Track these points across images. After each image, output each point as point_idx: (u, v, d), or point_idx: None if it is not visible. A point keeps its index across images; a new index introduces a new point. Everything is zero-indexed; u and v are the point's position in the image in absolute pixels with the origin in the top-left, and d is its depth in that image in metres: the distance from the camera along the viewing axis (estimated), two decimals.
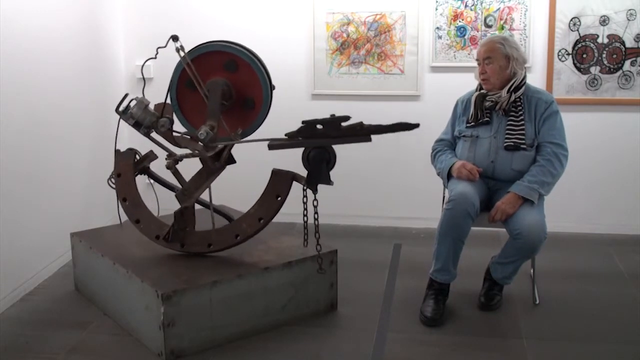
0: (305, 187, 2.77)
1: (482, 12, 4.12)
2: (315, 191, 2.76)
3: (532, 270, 3.28)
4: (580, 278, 3.52)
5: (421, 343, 2.80)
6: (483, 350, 2.74)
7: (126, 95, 2.97)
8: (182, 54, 2.82)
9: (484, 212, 3.02)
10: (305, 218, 2.82)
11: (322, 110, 4.33)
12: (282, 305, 2.93)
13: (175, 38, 2.79)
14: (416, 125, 2.70)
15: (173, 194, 3.01)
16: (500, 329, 2.92)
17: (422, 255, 3.56)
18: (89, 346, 2.79)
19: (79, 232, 3.35)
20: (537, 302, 3.17)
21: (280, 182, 2.86)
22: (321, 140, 2.71)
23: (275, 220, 3.42)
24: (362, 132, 2.68)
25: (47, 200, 3.53)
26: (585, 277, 3.54)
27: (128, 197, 3.06)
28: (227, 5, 4.35)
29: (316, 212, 2.78)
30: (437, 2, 4.14)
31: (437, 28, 4.17)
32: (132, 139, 3.36)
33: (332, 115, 2.69)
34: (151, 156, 3.11)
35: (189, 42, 3.11)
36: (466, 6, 4.12)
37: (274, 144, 2.73)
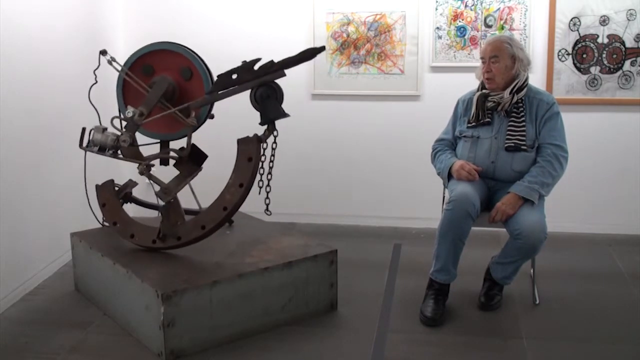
0: (267, 135, 2.90)
1: (482, 12, 4.12)
2: (274, 129, 2.90)
3: (532, 270, 3.28)
4: (580, 278, 3.52)
5: (421, 343, 2.80)
6: (483, 350, 2.74)
7: (84, 129, 3.05)
8: (116, 65, 2.97)
9: (484, 213, 3.02)
10: (262, 170, 2.93)
11: (322, 110, 4.40)
12: (282, 305, 2.93)
13: (103, 52, 2.97)
14: (322, 49, 2.91)
15: None
16: (500, 329, 2.92)
17: (422, 255, 3.56)
18: (89, 346, 2.79)
19: (79, 232, 3.35)
20: (537, 302, 3.17)
21: (247, 145, 2.91)
22: (240, 86, 2.86)
23: (275, 220, 3.44)
24: (274, 69, 2.84)
25: (47, 200, 3.53)
26: (585, 277, 3.54)
27: (118, 220, 3.11)
28: (227, 6, 4.35)
29: (273, 155, 2.94)
30: (437, 2, 4.14)
31: (437, 28, 4.17)
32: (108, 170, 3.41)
33: (244, 62, 2.84)
34: (131, 183, 3.22)
35: (189, 43, 3.13)
36: (466, 6, 4.12)
37: (195, 103, 2.92)
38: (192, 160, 3.06)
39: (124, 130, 2.96)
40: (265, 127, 2.93)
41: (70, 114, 3.72)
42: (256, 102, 2.91)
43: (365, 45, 4.26)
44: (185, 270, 2.83)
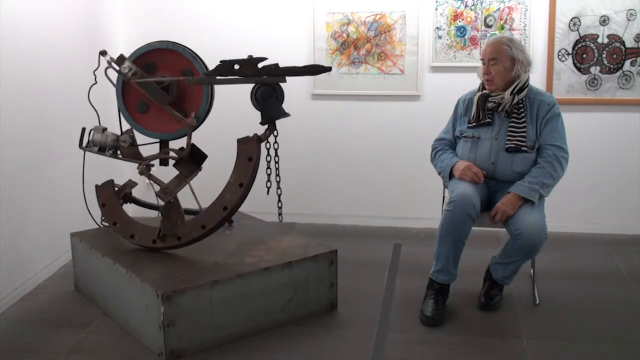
0: (268, 135, 2.92)
1: (482, 12, 4.12)
2: (274, 128, 2.92)
3: (532, 270, 3.28)
4: (580, 278, 3.52)
5: (421, 343, 2.80)
6: (483, 350, 2.74)
7: (84, 129, 3.08)
8: (115, 66, 2.95)
9: (485, 213, 3.02)
10: (269, 157, 2.98)
11: (322, 110, 4.40)
12: (282, 305, 2.93)
13: (103, 53, 2.97)
14: (328, 69, 2.91)
15: None
16: (500, 329, 2.92)
17: (422, 255, 3.56)
18: (89, 346, 2.79)
19: (79, 232, 3.35)
20: (537, 302, 3.17)
21: (247, 145, 2.92)
22: (237, 79, 2.87)
23: (275, 220, 3.43)
24: (276, 72, 2.85)
25: (47, 200, 3.53)
26: (585, 277, 3.54)
27: (118, 220, 3.11)
28: (228, 5, 4.35)
29: (277, 155, 2.97)
30: (437, 2, 4.14)
31: (437, 28, 4.17)
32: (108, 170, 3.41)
33: (250, 56, 2.85)
34: (131, 184, 3.22)
35: (189, 42, 3.12)
36: (466, 6, 4.12)
37: (191, 80, 2.92)
38: (192, 160, 3.06)
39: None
40: (265, 126, 2.93)
41: (71, 114, 3.72)
42: (257, 101, 2.92)
43: (365, 45, 4.26)
44: (185, 270, 2.83)
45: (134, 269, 2.83)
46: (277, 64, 2.86)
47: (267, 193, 2.99)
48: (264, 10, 4.33)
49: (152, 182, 3.06)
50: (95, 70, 3.01)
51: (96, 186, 3.18)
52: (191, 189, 3.07)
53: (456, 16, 4.14)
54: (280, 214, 3.09)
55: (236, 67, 2.86)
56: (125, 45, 4.37)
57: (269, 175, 3.01)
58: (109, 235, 3.26)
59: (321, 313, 3.06)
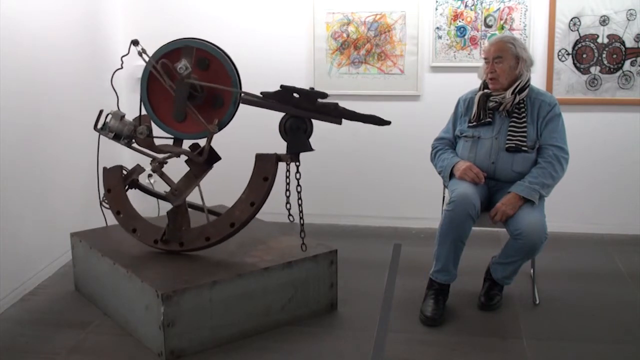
0: (288, 162, 2.82)
1: (482, 12, 4.12)
2: (297, 160, 2.82)
3: (532, 270, 3.28)
4: (580, 278, 3.52)
5: (421, 343, 2.81)
6: (483, 350, 2.74)
7: (101, 111, 3.00)
8: (145, 57, 2.87)
9: (484, 213, 3.02)
10: (288, 192, 2.85)
11: None
12: (282, 305, 2.93)
13: (135, 42, 2.85)
14: (388, 122, 2.78)
15: None
16: (500, 329, 2.92)
17: (422, 255, 3.55)
18: (89, 346, 2.79)
19: (79, 232, 3.35)
20: (537, 302, 3.17)
21: (265, 164, 2.87)
22: (292, 109, 2.77)
23: (275, 220, 3.44)
24: (334, 113, 2.74)
25: (47, 200, 3.53)
26: (585, 277, 3.54)
27: (121, 209, 3.08)
28: (228, 5, 4.35)
29: (299, 185, 2.84)
30: (437, 2, 4.14)
31: (437, 28, 4.17)
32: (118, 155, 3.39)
33: (311, 89, 2.75)
34: (138, 169, 3.15)
35: None
36: (466, 6, 4.12)
37: (247, 99, 2.83)
38: (205, 160, 3.02)
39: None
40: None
41: (71, 114, 3.72)
42: (285, 132, 2.82)
43: (365, 45, 4.26)
44: (185, 270, 2.83)
45: (134, 269, 2.83)
46: (336, 104, 2.73)
47: (291, 220, 2.87)
48: (263, 9, 4.33)
49: (152, 182, 3.05)
50: (123, 56, 2.92)
51: (104, 169, 3.13)
52: (200, 190, 3.05)
53: (456, 16, 4.14)
54: (303, 244, 2.96)
55: (295, 95, 2.74)
56: (126, 45, 4.37)
57: (289, 209, 2.84)
58: (109, 235, 3.26)
59: (321, 313, 3.06)
